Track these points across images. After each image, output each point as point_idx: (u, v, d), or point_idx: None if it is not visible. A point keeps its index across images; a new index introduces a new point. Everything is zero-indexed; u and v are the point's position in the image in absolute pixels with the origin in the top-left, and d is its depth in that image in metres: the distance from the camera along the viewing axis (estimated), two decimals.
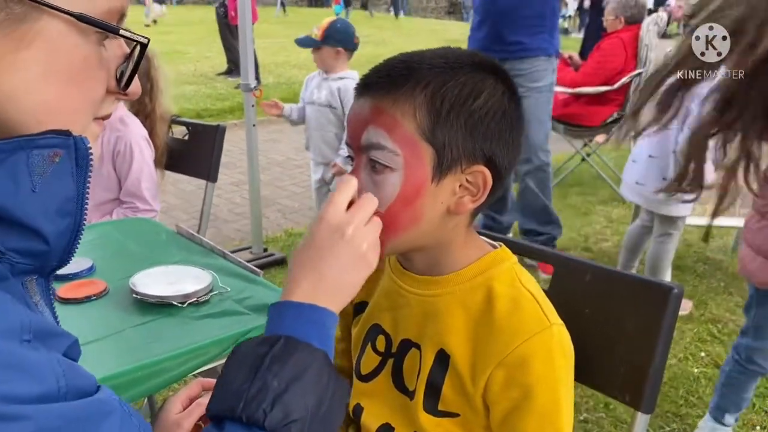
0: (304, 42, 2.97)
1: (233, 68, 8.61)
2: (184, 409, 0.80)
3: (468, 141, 0.77)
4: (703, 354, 2.47)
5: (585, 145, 4.56)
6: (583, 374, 0.96)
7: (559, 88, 4.33)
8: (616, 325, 0.93)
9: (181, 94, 7.83)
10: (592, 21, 5.18)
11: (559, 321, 0.82)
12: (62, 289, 1.24)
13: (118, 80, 0.58)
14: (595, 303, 0.96)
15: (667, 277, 2.82)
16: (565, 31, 11.03)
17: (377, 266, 0.95)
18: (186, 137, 2.14)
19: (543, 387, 0.79)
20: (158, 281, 1.23)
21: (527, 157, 3.20)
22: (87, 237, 1.51)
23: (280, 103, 3.09)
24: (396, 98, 0.77)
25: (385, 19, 18.78)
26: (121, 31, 0.55)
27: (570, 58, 4.47)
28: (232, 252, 3.45)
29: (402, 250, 0.85)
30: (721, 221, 2.93)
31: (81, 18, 0.51)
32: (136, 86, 0.60)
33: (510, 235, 3.50)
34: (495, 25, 3.12)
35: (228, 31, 8.39)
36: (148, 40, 0.59)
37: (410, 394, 0.88)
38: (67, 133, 0.53)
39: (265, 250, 3.38)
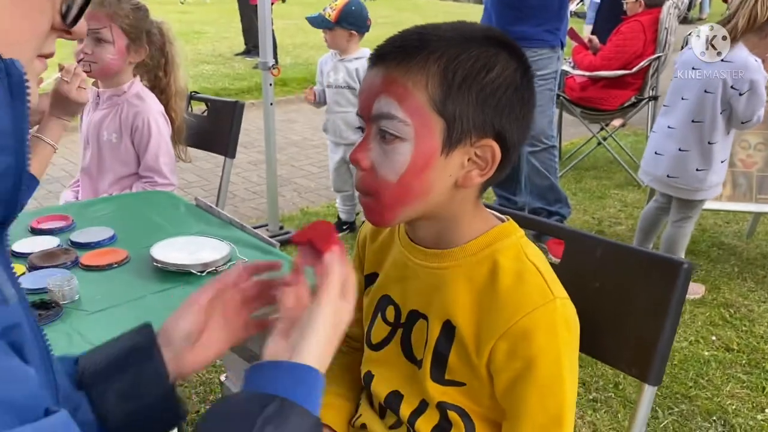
0: (316, 21, 2.96)
1: (251, 48, 8.62)
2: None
3: (479, 114, 0.78)
4: (714, 338, 2.48)
5: (602, 129, 4.53)
6: (592, 347, 0.98)
7: (576, 72, 4.32)
8: (625, 299, 0.95)
9: (199, 73, 7.86)
10: (612, 4, 5.10)
11: (564, 295, 0.84)
12: (85, 257, 1.27)
13: (63, 16, 0.54)
14: (605, 278, 0.98)
15: None
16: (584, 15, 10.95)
17: (388, 237, 0.97)
18: (205, 113, 2.17)
19: (545, 359, 0.81)
20: (178, 251, 1.26)
21: (532, 142, 3.22)
22: (108, 208, 1.55)
23: (313, 92, 3.13)
24: (408, 68, 0.77)
25: (405, 0, 18.63)
26: None
27: (590, 41, 4.44)
28: None
29: (411, 219, 0.87)
30: (738, 206, 2.94)
31: None
32: (82, 26, 0.56)
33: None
34: (501, 14, 3.13)
35: (248, 10, 8.38)
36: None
37: (418, 363, 0.90)
38: None
39: (281, 227, 3.42)
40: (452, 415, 0.89)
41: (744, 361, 2.32)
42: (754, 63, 2.33)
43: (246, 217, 3.79)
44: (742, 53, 2.32)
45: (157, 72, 1.95)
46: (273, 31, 8.43)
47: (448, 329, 0.87)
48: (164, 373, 0.71)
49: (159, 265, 1.22)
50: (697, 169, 2.51)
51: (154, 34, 1.91)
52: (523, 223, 0.93)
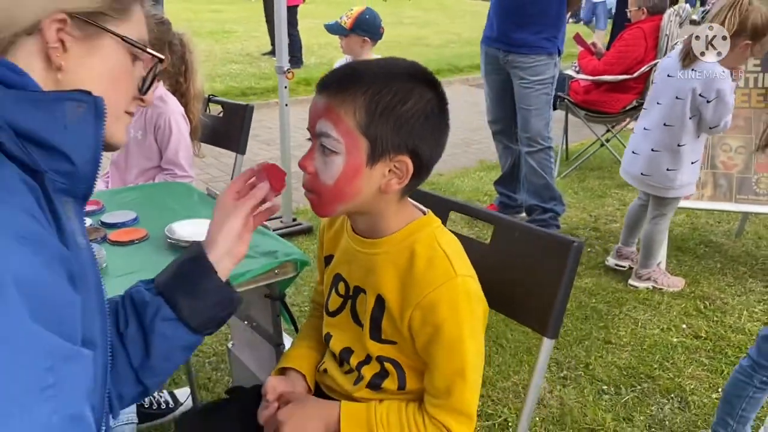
0: (333, 28, 3.19)
1: None
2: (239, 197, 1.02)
3: (395, 137, 0.99)
4: (684, 326, 2.68)
5: (608, 130, 4.71)
6: (509, 309, 1.22)
7: (581, 76, 4.50)
8: (533, 271, 1.18)
9: (227, 72, 8.18)
10: (619, 12, 5.27)
11: (467, 273, 1.06)
12: (113, 234, 1.54)
13: (140, 90, 0.86)
14: (520, 254, 1.21)
15: (662, 256, 3.02)
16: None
17: (340, 228, 1.22)
18: (220, 114, 2.44)
19: (448, 325, 1.03)
20: (189, 230, 1.52)
21: (529, 143, 3.43)
22: (132, 195, 1.84)
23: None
24: (342, 99, 0.99)
25: (431, 1, 18.80)
26: (147, 50, 0.83)
27: (594, 45, 4.62)
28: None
29: (345, 213, 1.11)
30: (718, 206, 3.12)
31: (124, 38, 0.79)
32: (150, 96, 0.87)
33: (523, 213, 3.73)
34: (503, 21, 3.36)
35: (272, 10, 8.66)
36: (162, 60, 0.87)
37: (362, 326, 1.14)
38: (89, 93, 0.75)
39: (294, 219, 3.69)
40: (388, 365, 1.13)
41: (709, 347, 2.52)
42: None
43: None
44: (711, 64, 2.52)
45: (178, 78, 2.23)
46: (298, 32, 8.68)
47: (380, 301, 1.11)
48: (213, 272, 0.96)
49: (172, 241, 1.48)
50: (667, 169, 2.71)
51: (175, 44, 2.18)
52: (457, 209, 1.17)
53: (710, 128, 2.63)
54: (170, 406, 2.14)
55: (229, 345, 2.04)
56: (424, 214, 1.13)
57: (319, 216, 1.10)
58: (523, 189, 3.70)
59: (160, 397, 2.14)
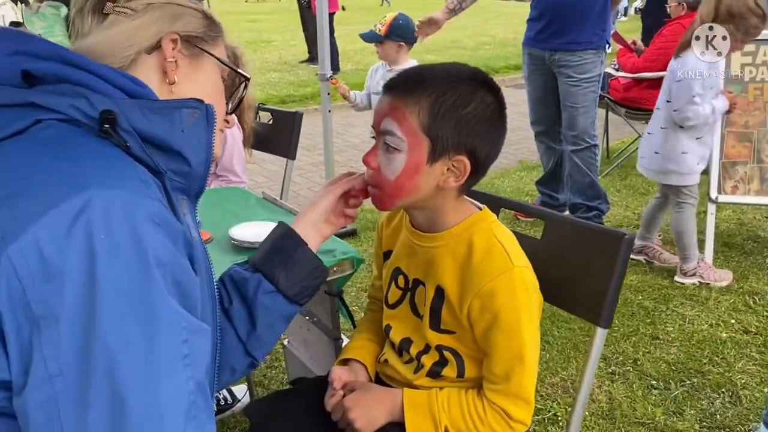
0: (368, 36, 3.27)
1: (315, 56, 9.02)
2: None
3: (455, 137, 1.06)
4: (733, 321, 2.66)
5: None
6: (561, 300, 1.27)
7: (620, 73, 4.49)
8: (585, 264, 1.22)
9: (267, 81, 8.36)
10: (649, 8, 5.22)
11: (523, 264, 1.12)
12: None
13: (227, 108, 0.98)
14: (571, 247, 1.25)
15: (708, 251, 3.01)
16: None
17: (398, 224, 1.28)
18: (270, 122, 2.53)
19: (506, 312, 1.09)
20: (251, 231, 1.60)
21: (575, 141, 3.44)
22: None
23: (347, 89, 3.43)
24: (407, 100, 1.06)
25: None
26: (238, 70, 0.96)
27: (634, 43, 4.59)
28: None
29: (405, 207, 1.18)
30: (763, 200, 3.09)
31: (220, 60, 0.91)
32: (232, 119, 0.99)
33: (567, 212, 3.74)
34: (549, 18, 3.37)
35: (310, 19, 8.82)
36: (249, 79, 0.99)
37: (421, 317, 1.21)
38: (201, 101, 0.85)
39: None
40: (447, 354, 1.19)
41: (760, 342, 2.50)
42: (695, 62, 2.60)
43: None
44: (691, 54, 2.62)
45: (231, 90, 2.33)
46: (335, 39, 8.81)
47: (440, 292, 1.17)
48: (304, 244, 1.08)
49: (235, 243, 1.57)
50: (655, 152, 2.81)
51: (229, 56, 2.28)
52: (508, 205, 1.22)
53: (674, 111, 2.75)
54: (228, 402, 2.23)
55: (285, 342, 2.12)
56: (480, 209, 1.18)
57: (379, 209, 1.16)
58: (566, 188, 3.71)
59: (219, 394, 2.24)
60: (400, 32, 3.22)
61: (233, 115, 1.00)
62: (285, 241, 1.08)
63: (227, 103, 0.97)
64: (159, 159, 0.79)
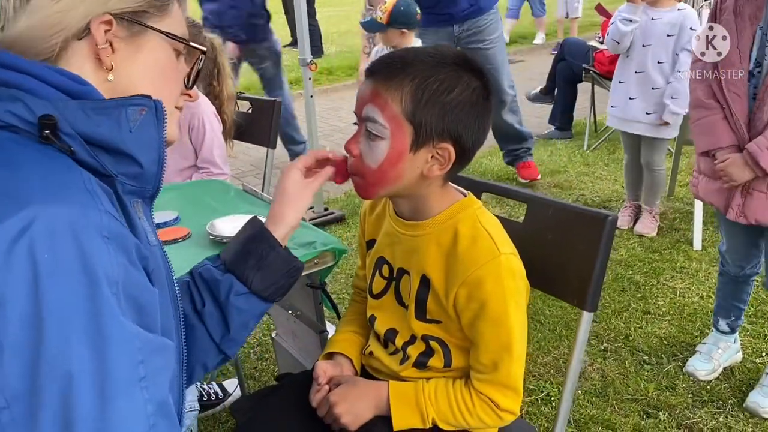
0: (370, 26, 3.15)
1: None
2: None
3: (439, 124, 1.02)
4: None
5: None
6: (546, 285, 1.25)
7: (605, 46, 4.44)
8: (569, 246, 1.20)
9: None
10: None
11: (509, 251, 1.09)
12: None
13: (186, 82, 0.90)
14: (554, 230, 1.23)
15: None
16: None
17: (381, 212, 1.25)
18: (249, 111, 2.48)
19: (493, 300, 1.06)
20: (229, 226, 1.57)
21: (498, 97, 3.65)
22: (172, 195, 1.89)
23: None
24: (389, 86, 1.02)
25: None
26: (191, 43, 0.87)
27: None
28: None
29: (388, 196, 1.15)
30: None
31: (167, 34, 0.82)
32: (195, 91, 0.91)
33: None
34: None
35: (291, 3, 8.68)
36: (205, 52, 0.90)
37: (406, 307, 1.18)
38: (149, 97, 0.79)
39: (326, 209, 3.74)
40: (433, 344, 1.17)
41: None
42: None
43: None
44: None
45: (211, 81, 2.29)
46: (317, 21, 8.68)
47: (425, 281, 1.14)
48: (279, 246, 1.04)
49: (214, 238, 1.54)
50: (647, 113, 3.14)
51: (206, 47, 2.22)
52: (486, 188, 1.19)
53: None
54: (219, 396, 2.21)
55: (273, 335, 2.10)
56: (465, 196, 1.15)
57: (362, 198, 1.13)
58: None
59: (210, 388, 2.22)
60: (403, 19, 3.09)
61: (197, 92, 0.93)
62: (258, 244, 1.03)
63: (187, 78, 0.90)
64: (108, 162, 0.74)
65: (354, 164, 1.08)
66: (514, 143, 3.97)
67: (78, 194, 0.66)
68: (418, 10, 3.14)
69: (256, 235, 1.04)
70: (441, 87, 1.01)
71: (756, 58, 1.77)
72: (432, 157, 1.05)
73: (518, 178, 4.04)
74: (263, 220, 1.08)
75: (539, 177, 4.03)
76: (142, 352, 0.64)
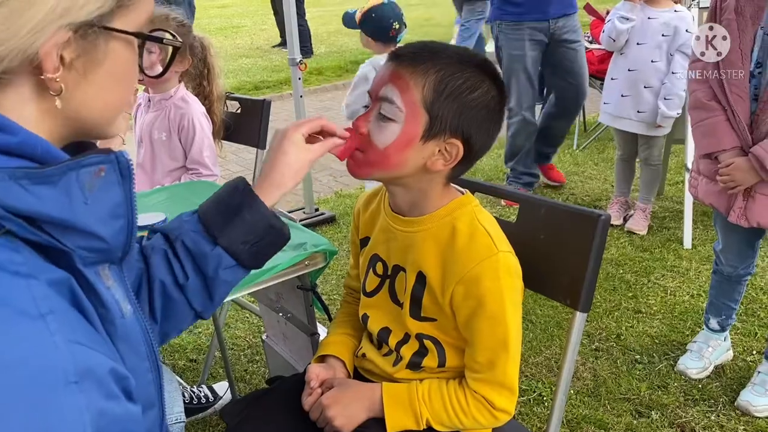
0: (346, 19, 2.90)
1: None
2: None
3: (455, 120, 1.02)
4: None
5: None
6: (538, 285, 1.24)
7: (595, 45, 4.46)
8: (561, 246, 1.19)
9: (239, 67, 8.22)
10: None
11: (507, 249, 1.09)
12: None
13: (141, 69, 0.76)
14: (547, 230, 1.22)
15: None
16: None
17: (376, 209, 1.23)
18: (239, 111, 2.46)
19: (491, 298, 1.06)
20: None
21: (578, 101, 3.71)
22: (161, 197, 1.87)
23: None
24: (414, 70, 1.02)
25: None
26: (165, 40, 0.77)
27: (606, 14, 4.55)
28: (288, 212, 3.79)
29: (383, 181, 1.13)
30: None
31: (138, 35, 0.68)
32: (170, 74, 0.85)
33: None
34: None
35: (280, 2, 8.65)
36: (181, 43, 0.84)
37: (401, 305, 1.17)
38: (107, 151, 0.64)
39: (317, 209, 3.72)
40: (428, 343, 1.16)
41: (741, 311, 2.50)
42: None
43: (285, 200, 4.10)
44: None
45: (201, 81, 2.26)
46: (306, 21, 8.66)
47: (421, 278, 1.13)
48: (270, 217, 0.94)
49: None
50: (638, 111, 3.18)
51: (196, 47, 2.21)
52: (483, 190, 1.19)
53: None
54: (210, 400, 2.19)
55: (264, 337, 2.08)
56: (462, 194, 1.15)
57: (354, 175, 1.09)
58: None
59: (200, 391, 2.20)
60: (371, 25, 2.76)
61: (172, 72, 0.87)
62: (252, 216, 0.93)
63: (164, 69, 0.83)
64: (62, 237, 0.60)
65: (359, 140, 1.06)
66: (554, 146, 3.96)
67: (26, 328, 0.53)
68: (396, 26, 2.74)
69: (246, 203, 0.93)
70: (465, 84, 1.02)
71: (757, 58, 1.77)
72: (439, 150, 1.04)
73: (546, 180, 4.00)
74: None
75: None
76: None
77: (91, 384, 0.55)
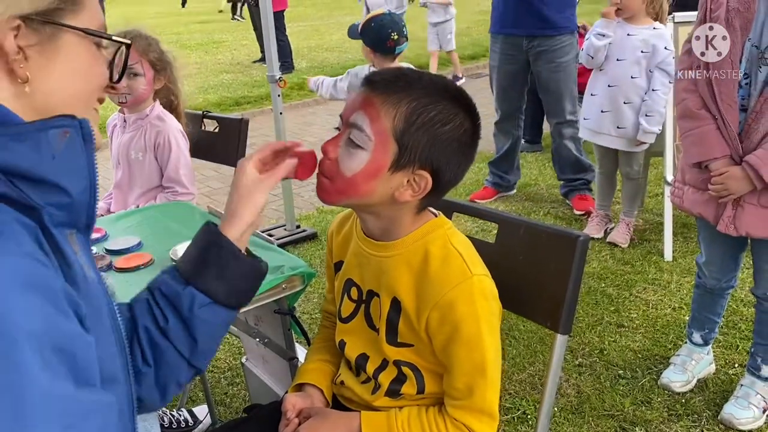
0: (351, 31, 2.91)
1: None
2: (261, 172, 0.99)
3: (425, 152, 1.00)
4: None
5: None
6: (517, 306, 1.22)
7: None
8: (540, 267, 1.18)
9: (220, 83, 8.17)
10: None
11: (482, 272, 1.07)
12: (118, 262, 1.54)
13: (111, 77, 0.84)
14: (526, 251, 1.21)
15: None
16: None
17: (349, 232, 1.21)
18: (216, 130, 2.44)
19: (466, 323, 1.04)
20: None
21: (559, 121, 3.63)
22: (135, 219, 1.84)
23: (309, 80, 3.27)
24: (386, 100, 1.00)
25: None
26: (114, 37, 0.81)
27: (584, 27, 4.59)
28: (269, 229, 3.75)
29: (353, 208, 1.12)
30: None
31: (86, 31, 0.76)
32: (121, 84, 0.85)
33: (513, 191, 4.08)
34: (520, 6, 3.42)
35: (259, 18, 8.65)
36: (129, 45, 0.86)
37: (377, 331, 1.15)
38: (72, 117, 0.73)
39: (298, 226, 3.68)
40: (406, 369, 1.13)
41: (722, 324, 2.50)
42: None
43: (266, 217, 4.06)
44: None
45: (169, 95, 2.23)
46: (287, 36, 8.64)
47: (395, 303, 1.11)
48: (240, 254, 0.96)
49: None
50: (618, 127, 3.19)
51: (169, 62, 2.18)
52: (457, 209, 1.17)
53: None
54: (189, 424, 2.14)
55: (243, 360, 2.04)
56: (436, 216, 1.13)
57: (322, 201, 1.08)
58: (516, 170, 4.04)
59: (180, 415, 2.15)
60: (371, 36, 2.78)
61: (119, 87, 0.87)
62: (218, 251, 0.95)
63: (111, 72, 0.83)
64: (32, 193, 0.68)
65: (327, 166, 1.04)
66: (572, 172, 3.77)
67: None
68: (394, 36, 2.76)
69: (212, 242, 0.96)
70: (438, 117, 1.00)
71: (744, 70, 1.78)
72: (408, 181, 1.03)
73: (573, 209, 3.77)
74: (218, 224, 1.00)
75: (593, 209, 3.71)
76: (69, 415, 0.58)
77: (40, 294, 0.61)
